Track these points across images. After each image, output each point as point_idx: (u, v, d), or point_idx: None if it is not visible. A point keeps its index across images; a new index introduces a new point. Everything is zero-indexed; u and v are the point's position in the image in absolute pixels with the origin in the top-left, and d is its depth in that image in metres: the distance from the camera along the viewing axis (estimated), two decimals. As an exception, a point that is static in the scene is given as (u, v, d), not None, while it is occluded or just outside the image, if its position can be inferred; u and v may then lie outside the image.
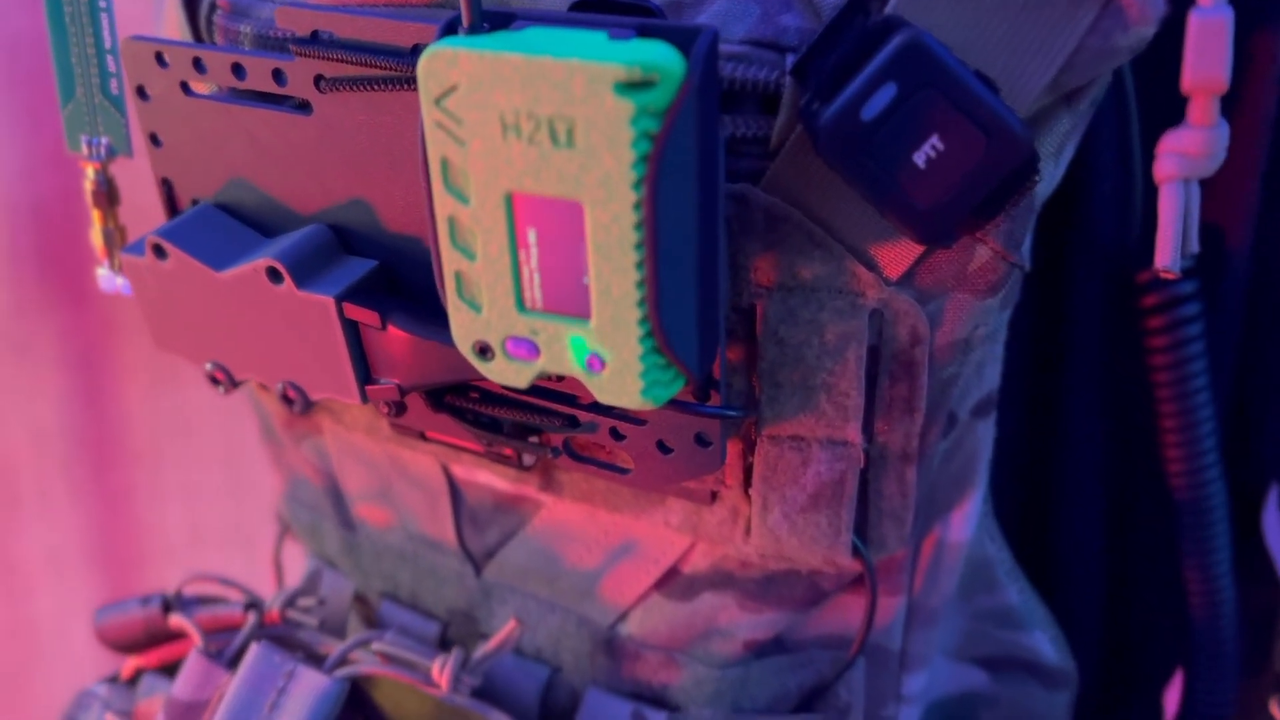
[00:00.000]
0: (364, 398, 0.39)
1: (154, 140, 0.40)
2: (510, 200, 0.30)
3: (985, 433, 0.41)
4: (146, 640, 0.47)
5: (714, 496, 0.40)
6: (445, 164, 0.30)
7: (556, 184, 0.29)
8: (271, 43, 0.39)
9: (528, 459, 0.41)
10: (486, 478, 0.44)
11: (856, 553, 0.39)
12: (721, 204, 0.32)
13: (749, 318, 0.36)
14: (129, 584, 0.95)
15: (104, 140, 0.40)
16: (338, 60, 0.35)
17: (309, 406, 0.40)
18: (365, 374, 0.38)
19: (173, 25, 0.43)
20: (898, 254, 0.35)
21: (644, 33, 0.29)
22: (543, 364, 0.32)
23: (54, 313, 0.82)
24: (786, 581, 0.40)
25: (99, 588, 0.95)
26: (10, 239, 0.76)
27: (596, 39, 0.29)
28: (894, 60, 0.31)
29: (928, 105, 0.31)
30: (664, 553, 0.42)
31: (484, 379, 0.36)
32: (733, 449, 0.38)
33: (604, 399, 0.32)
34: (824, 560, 0.39)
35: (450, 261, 0.32)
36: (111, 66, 0.40)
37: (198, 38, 0.42)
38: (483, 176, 0.30)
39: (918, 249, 0.35)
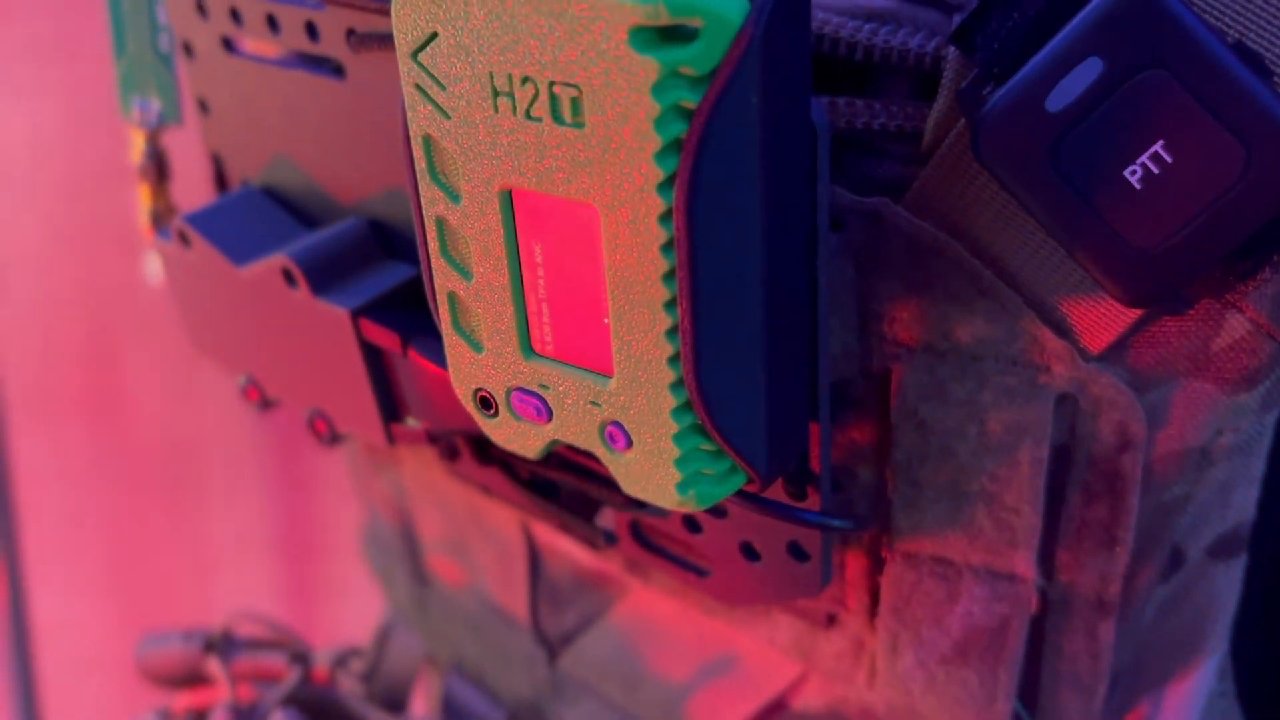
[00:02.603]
0: (390, 440, 0.31)
1: (203, 106, 0.34)
2: (509, 199, 0.21)
3: (1228, 581, 0.29)
4: (187, 679, 0.41)
5: (831, 620, 0.29)
6: (429, 144, 0.22)
7: (563, 179, 0.20)
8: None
9: (594, 540, 0.32)
10: (568, 546, 0.35)
11: (1019, 727, 0.28)
12: (823, 223, 0.22)
13: (881, 386, 0.26)
14: (307, 572, 0.93)
15: (154, 105, 0.34)
16: (369, 10, 0.27)
17: (337, 440, 0.33)
18: (391, 409, 0.30)
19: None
20: (1104, 316, 0.24)
21: (703, -38, 0.20)
22: (554, 430, 0.23)
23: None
24: (921, 747, 0.30)
25: (278, 573, 0.93)
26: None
27: (631, -32, 0.19)
28: (1103, 20, 0.20)
29: (1152, 93, 0.20)
30: (768, 678, 0.32)
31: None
32: (856, 562, 0.28)
33: (629, 490, 0.23)
34: (972, 730, 0.28)
35: (442, 278, 0.23)
36: (162, 18, 0.34)
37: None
38: (473, 164, 0.21)
39: (1134, 312, 0.23)
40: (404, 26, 0.21)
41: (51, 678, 0.80)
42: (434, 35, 0.20)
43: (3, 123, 0.76)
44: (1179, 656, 0.29)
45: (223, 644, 0.40)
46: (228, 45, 0.32)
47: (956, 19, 0.23)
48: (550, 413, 0.23)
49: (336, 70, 0.30)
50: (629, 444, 0.22)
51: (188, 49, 0.33)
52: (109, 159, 0.73)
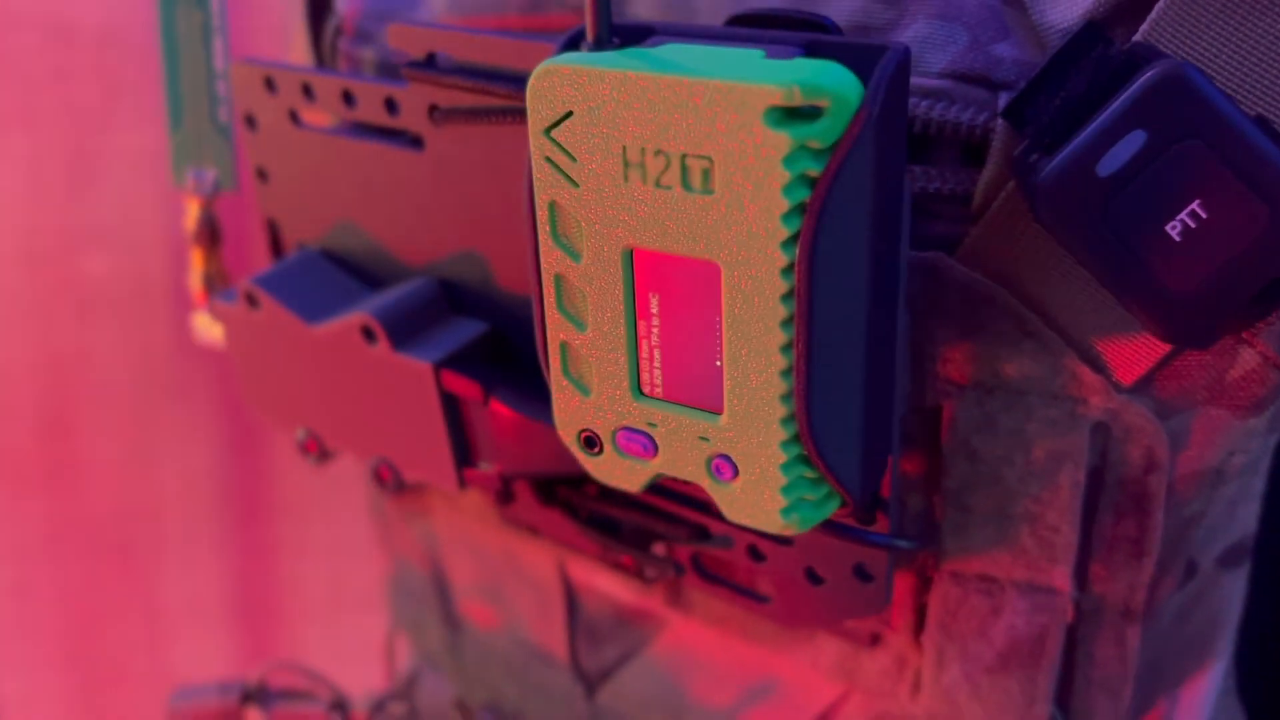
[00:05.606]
0: (462, 484, 0.33)
1: (261, 175, 0.36)
2: (630, 258, 0.24)
3: (1233, 588, 0.32)
4: (223, 732, 0.42)
5: (875, 639, 0.32)
6: (554, 209, 0.24)
7: (688, 239, 0.23)
8: (394, 71, 0.34)
9: (650, 572, 0.34)
10: (607, 584, 0.37)
11: (1055, 729, 0.31)
12: (903, 275, 0.25)
13: (933, 421, 0.29)
14: (267, 638, 0.93)
15: (209, 174, 0.36)
16: (454, 88, 0.30)
17: (402, 487, 0.34)
18: (465, 456, 0.33)
19: (300, 54, 0.39)
20: (1134, 353, 0.27)
21: (813, 50, 0.23)
22: (660, 465, 0.26)
23: (212, 356, 0.80)
24: (962, 754, 0.32)
25: (237, 640, 0.92)
26: (171, 278, 0.74)
27: (750, 57, 0.22)
28: (1144, 99, 0.23)
29: (1188, 160, 0.23)
30: (810, 699, 0.34)
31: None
32: (902, 583, 0.31)
33: (733, 516, 0.25)
34: (1012, 734, 0.31)
35: (556, 329, 0.25)
36: (222, 91, 0.36)
37: (322, 65, 0.38)
38: (598, 226, 0.24)
39: (1160, 349, 0.27)
40: (539, 106, 0.23)
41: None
42: (569, 114, 0.23)
43: (-41, 191, 0.76)
44: (1193, 659, 0.32)
45: (260, 694, 0.41)
46: (294, 118, 0.34)
47: (1003, 96, 0.26)
48: (657, 449, 0.25)
49: (413, 142, 0.32)
50: (735, 475, 0.25)
51: (250, 121, 0.35)
52: (64, 227, 0.74)
